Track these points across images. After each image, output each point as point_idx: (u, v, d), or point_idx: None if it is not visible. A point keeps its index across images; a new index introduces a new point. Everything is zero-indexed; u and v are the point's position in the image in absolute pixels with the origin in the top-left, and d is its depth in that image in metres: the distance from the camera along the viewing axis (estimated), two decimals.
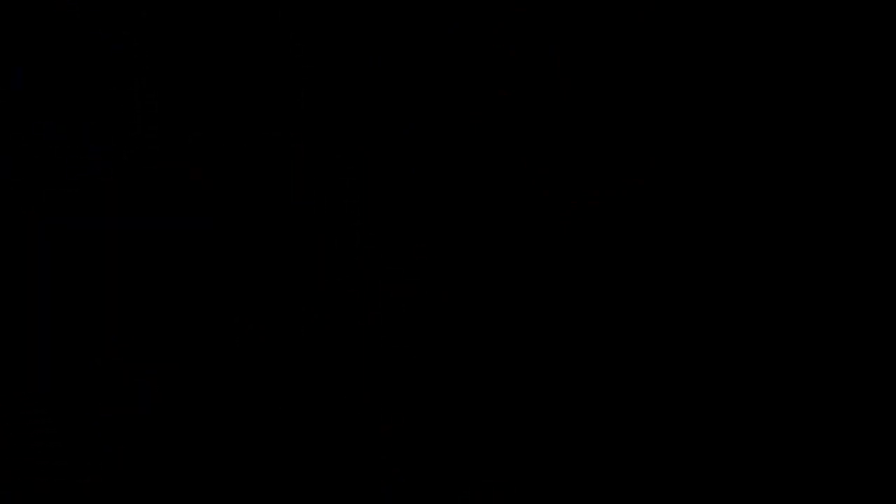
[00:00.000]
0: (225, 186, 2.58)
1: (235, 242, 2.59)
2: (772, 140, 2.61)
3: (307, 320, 2.57)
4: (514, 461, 2.40)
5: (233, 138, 2.59)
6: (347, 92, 2.65)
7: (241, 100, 2.59)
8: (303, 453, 2.41)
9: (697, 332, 2.50)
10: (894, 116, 2.55)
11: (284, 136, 2.58)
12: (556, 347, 2.52)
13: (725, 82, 2.63)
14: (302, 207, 2.59)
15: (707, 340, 2.49)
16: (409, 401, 2.48)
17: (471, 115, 2.66)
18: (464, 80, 2.66)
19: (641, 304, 2.56)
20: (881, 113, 2.56)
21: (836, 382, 2.42)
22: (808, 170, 2.58)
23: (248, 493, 2.37)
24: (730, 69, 2.62)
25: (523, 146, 2.67)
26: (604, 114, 2.66)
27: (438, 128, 2.67)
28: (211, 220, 2.59)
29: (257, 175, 2.57)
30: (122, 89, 2.54)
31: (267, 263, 2.60)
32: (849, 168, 2.57)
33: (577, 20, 2.64)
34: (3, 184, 2.50)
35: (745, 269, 2.56)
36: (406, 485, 2.38)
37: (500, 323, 2.56)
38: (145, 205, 2.56)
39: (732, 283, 2.55)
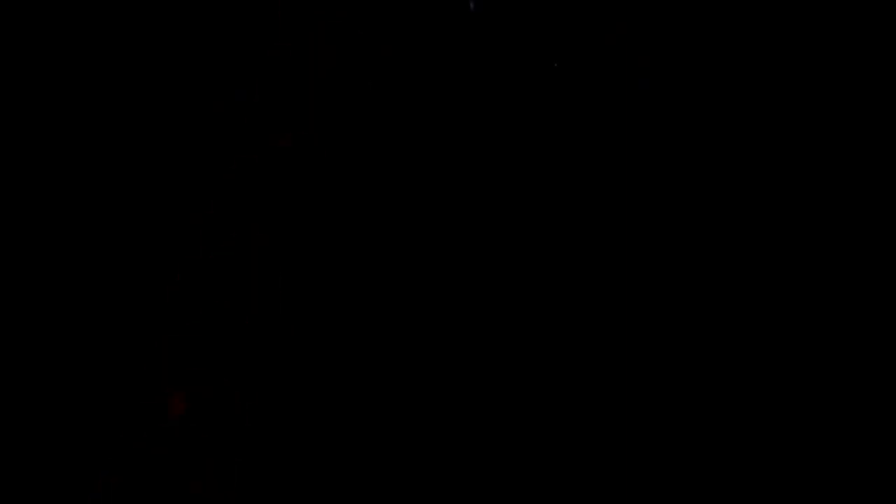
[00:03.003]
0: (225, 187, 2.59)
1: (234, 243, 2.59)
2: (770, 140, 2.61)
3: (307, 320, 2.58)
4: (514, 461, 2.40)
5: (233, 139, 2.59)
6: (348, 92, 2.65)
7: (241, 100, 2.60)
8: (303, 453, 2.42)
9: (697, 330, 2.50)
10: (894, 116, 2.56)
11: (285, 136, 2.58)
12: (556, 347, 2.52)
13: (724, 83, 2.63)
14: (302, 207, 2.59)
15: (707, 338, 2.49)
16: (409, 401, 2.48)
17: (471, 115, 2.67)
18: (464, 80, 2.66)
19: (641, 304, 2.56)
20: (881, 113, 2.56)
21: (835, 381, 2.42)
22: (806, 170, 2.58)
23: (247, 493, 2.37)
24: (729, 70, 2.62)
25: (523, 146, 2.67)
26: (603, 114, 2.67)
27: (438, 128, 2.67)
28: (210, 220, 2.59)
29: (258, 175, 2.58)
30: (122, 89, 2.55)
31: (267, 263, 2.60)
32: (848, 168, 2.57)
33: (577, 20, 2.65)
34: (7, 181, 2.51)
35: (744, 268, 2.56)
36: (406, 485, 2.39)
37: (500, 323, 2.57)
38: (145, 205, 2.57)
39: (731, 281, 2.55)
